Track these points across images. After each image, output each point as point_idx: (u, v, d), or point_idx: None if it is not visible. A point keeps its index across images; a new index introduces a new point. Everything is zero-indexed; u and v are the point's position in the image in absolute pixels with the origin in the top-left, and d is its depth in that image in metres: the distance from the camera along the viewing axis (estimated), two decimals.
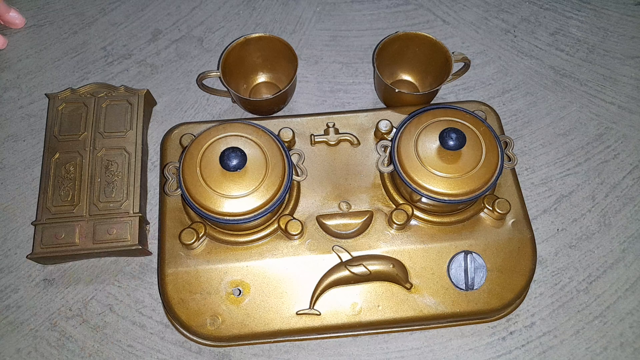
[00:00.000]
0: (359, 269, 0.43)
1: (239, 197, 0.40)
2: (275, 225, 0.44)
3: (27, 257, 0.46)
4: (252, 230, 0.44)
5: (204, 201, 0.40)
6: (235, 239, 0.44)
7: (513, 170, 0.48)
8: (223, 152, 0.39)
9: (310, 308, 0.42)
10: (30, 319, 0.46)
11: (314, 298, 0.43)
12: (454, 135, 0.40)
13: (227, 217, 0.40)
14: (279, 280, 0.43)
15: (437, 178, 0.41)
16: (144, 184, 0.50)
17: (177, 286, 0.43)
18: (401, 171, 0.42)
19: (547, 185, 0.52)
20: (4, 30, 0.60)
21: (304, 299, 0.42)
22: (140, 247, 0.45)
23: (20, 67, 0.58)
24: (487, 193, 0.43)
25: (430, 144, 0.42)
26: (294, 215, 0.45)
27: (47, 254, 0.45)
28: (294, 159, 0.46)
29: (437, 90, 0.51)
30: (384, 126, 0.47)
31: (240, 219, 0.40)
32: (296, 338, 0.44)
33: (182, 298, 0.42)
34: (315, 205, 0.45)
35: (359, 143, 0.48)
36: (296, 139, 0.48)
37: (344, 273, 0.43)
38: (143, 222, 0.47)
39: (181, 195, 0.44)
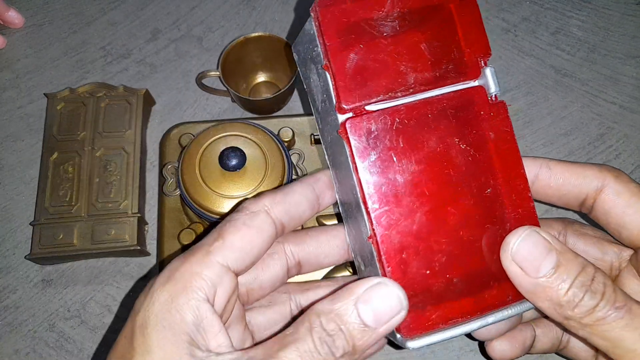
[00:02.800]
0: None
1: (238, 197, 0.40)
2: None
3: (25, 257, 0.45)
4: None
5: (203, 201, 0.40)
6: None
7: None
8: (222, 152, 0.39)
9: None
10: (29, 319, 0.46)
11: None
12: None
13: None
14: None
15: None
16: (142, 184, 0.49)
17: None
18: None
19: None
20: (3, 30, 0.60)
21: None
22: (139, 247, 0.45)
23: (19, 66, 0.58)
24: None
25: None
26: None
27: (46, 254, 0.45)
28: (294, 158, 0.46)
29: None
30: None
31: None
32: None
33: None
34: None
35: None
36: (296, 138, 0.48)
37: (345, 274, 0.42)
38: (142, 222, 0.47)
39: (180, 195, 0.44)
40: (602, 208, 0.25)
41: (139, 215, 0.46)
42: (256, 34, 0.52)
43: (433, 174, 0.23)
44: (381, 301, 0.20)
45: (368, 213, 0.22)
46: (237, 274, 0.23)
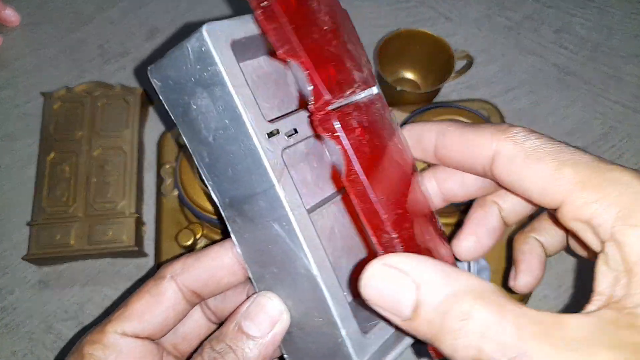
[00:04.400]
0: None
1: None
2: None
3: (22, 258, 0.45)
4: None
5: (201, 202, 0.39)
6: None
7: None
8: None
9: None
10: (26, 321, 0.45)
11: None
12: None
13: None
14: None
15: None
16: (140, 185, 0.49)
17: None
18: None
19: None
20: (0, 29, 0.60)
21: None
22: (136, 248, 0.45)
23: (16, 65, 0.58)
24: None
25: None
26: None
27: (43, 255, 0.44)
28: None
29: (440, 89, 0.50)
30: None
31: None
32: None
33: None
34: None
35: None
36: None
37: None
38: (139, 223, 0.46)
39: (178, 196, 0.43)
40: (500, 180, 0.21)
41: (136, 215, 0.46)
42: None
43: (399, 171, 0.22)
44: (261, 312, 0.22)
45: (382, 226, 0.20)
46: (150, 339, 0.24)
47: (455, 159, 0.23)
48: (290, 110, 0.22)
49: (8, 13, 0.59)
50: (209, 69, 0.20)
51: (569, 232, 0.22)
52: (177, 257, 0.33)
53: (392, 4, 0.62)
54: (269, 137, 0.20)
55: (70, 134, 0.49)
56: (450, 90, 0.56)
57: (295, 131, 0.21)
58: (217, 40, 0.20)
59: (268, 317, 0.22)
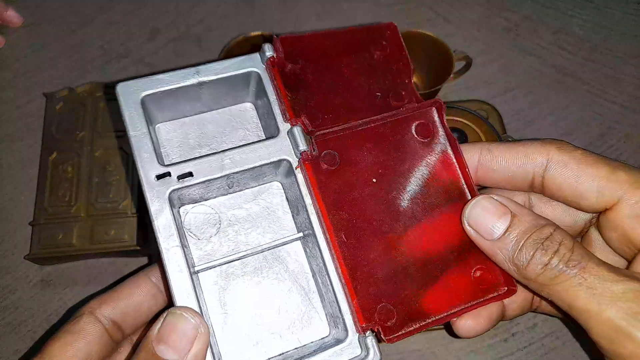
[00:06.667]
0: None
1: None
2: None
3: (24, 257, 0.45)
4: None
5: None
6: None
7: None
8: None
9: None
10: (28, 320, 0.46)
11: None
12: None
13: None
14: None
15: None
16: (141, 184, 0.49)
17: None
18: None
19: None
20: (2, 29, 0.60)
21: None
22: (138, 248, 0.45)
23: (17, 66, 0.58)
24: None
25: None
26: None
27: (45, 254, 0.45)
28: None
29: (439, 90, 0.51)
30: None
31: None
32: None
33: None
34: None
35: None
36: None
37: None
38: (141, 222, 0.47)
39: None
40: (554, 184, 0.25)
41: (138, 215, 0.46)
42: (256, 33, 0.52)
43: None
44: (174, 331, 0.20)
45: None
46: None
47: (501, 172, 0.26)
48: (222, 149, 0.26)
49: (10, 14, 0.59)
50: (122, 117, 0.25)
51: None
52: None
53: (392, 5, 0.62)
54: (158, 179, 0.24)
55: (72, 134, 0.49)
56: (449, 91, 0.56)
57: (191, 174, 0.24)
58: (126, 95, 0.25)
59: (183, 335, 0.20)
